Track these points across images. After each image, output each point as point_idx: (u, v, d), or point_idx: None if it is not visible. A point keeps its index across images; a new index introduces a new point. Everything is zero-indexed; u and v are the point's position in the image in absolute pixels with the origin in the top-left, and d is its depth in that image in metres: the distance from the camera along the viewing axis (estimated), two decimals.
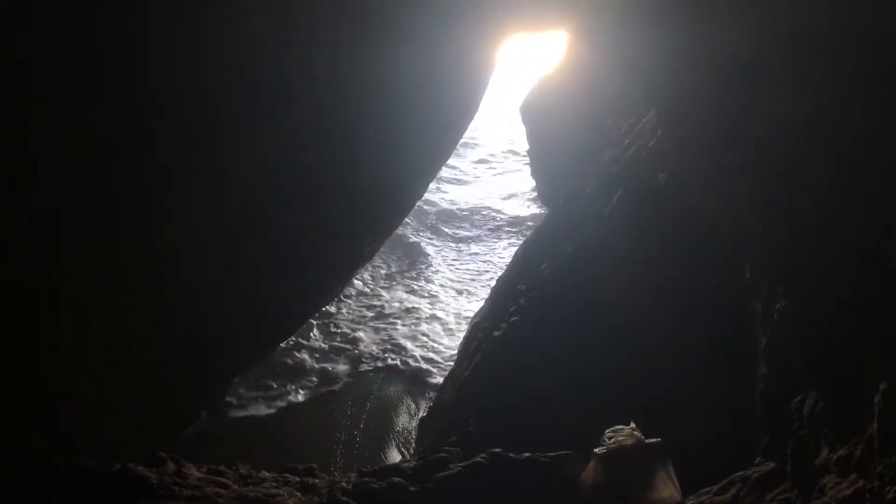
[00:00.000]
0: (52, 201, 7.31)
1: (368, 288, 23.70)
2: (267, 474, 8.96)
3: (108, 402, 9.14)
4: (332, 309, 21.12)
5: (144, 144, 7.78)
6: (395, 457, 14.80)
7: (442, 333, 21.21)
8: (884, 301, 5.40)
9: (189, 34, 7.50)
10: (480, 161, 40.04)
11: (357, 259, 14.69)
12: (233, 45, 7.87)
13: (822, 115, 6.14)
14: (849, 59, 5.72)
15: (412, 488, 7.49)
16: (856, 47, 5.63)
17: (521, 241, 22.54)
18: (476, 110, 15.75)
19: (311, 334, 20.01)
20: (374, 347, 20.18)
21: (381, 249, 18.90)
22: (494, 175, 38.13)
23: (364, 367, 19.34)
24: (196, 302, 9.52)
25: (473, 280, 25.39)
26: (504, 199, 33.80)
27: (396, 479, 7.69)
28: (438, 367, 19.01)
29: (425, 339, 20.83)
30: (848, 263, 5.89)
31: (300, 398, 17.77)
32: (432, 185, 23.68)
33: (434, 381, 18.32)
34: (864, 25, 5.52)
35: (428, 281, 24.92)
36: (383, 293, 23.60)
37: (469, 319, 18.72)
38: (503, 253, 26.72)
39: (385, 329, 21.21)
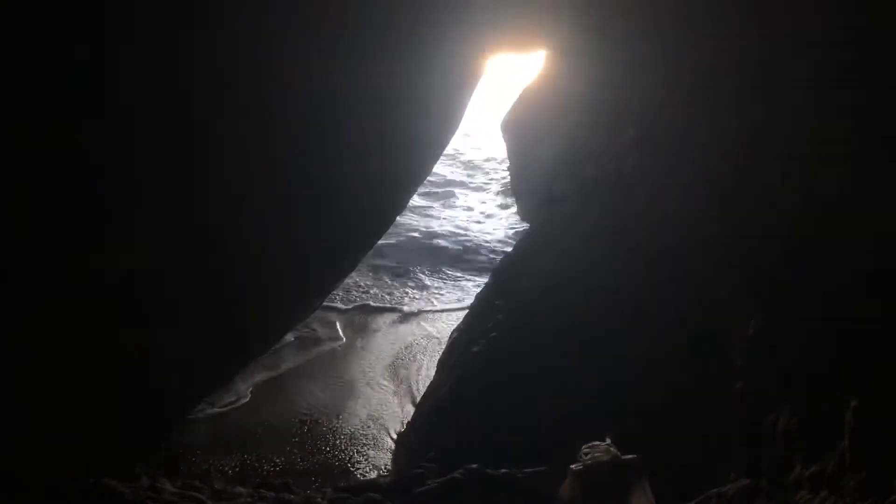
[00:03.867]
0: (51, 202, 7.23)
1: None
2: (242, 489, 8.89)
3: (93, 405, 8.99)
4: None
5: (141, 144, 7.72)
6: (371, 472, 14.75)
7: None
8: (854, 320, 5.50)
9: (193, 35, 7.51)
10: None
11: (337, 272, 14.63)
12: (228, 51, 7.88)
13: (790, 130, 6.26)
14: (825, 68, 5.86)
15: None
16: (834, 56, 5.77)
17: None
18: (458, 126, 15.86)
19: None
20: None
21: None
22: None
23: None
24: (184, 306, 9.41)
25: None
26: None
27: (373, 495, 7.69)
28: None
29: None
30: (819, 282, 6.00)
31: None
32: None
33: None
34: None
35: None
36: None
37: None
38: None
39: None
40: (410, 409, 15.99)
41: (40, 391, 8.11)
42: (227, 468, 13.49)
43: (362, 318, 20.86)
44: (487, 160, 41.89)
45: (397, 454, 14.58)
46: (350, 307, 21.29)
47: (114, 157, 7.57)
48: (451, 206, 33.59)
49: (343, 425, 15.66)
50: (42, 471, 7.52)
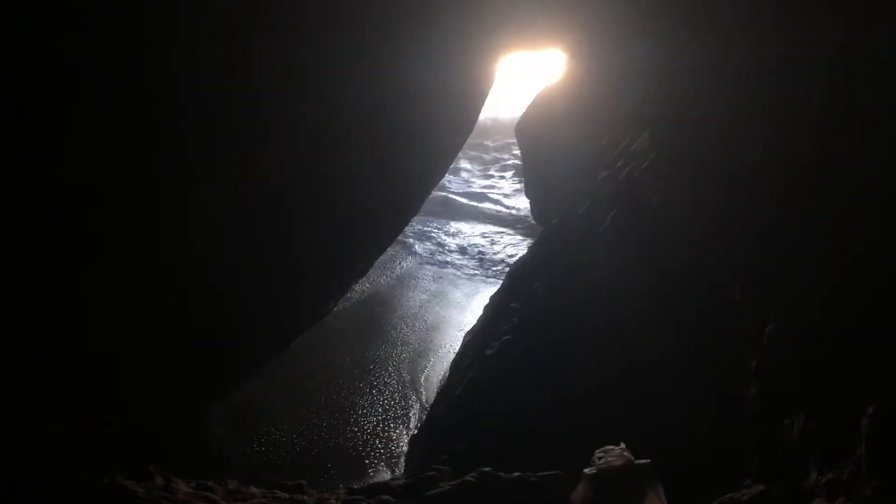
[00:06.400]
0: (69, 206, 7.35)
1: None
2: (256, 490, 8.91)
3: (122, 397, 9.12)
4: None
5: (145, 154, 7.82)
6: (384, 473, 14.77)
7: None
8: (872, 324, 5.45)
9: (201, 46, 7.59)
10: None
11: (351, 274, 14.69)
12: (232, 58, 7.93)
13: (800, 140, 6.22)
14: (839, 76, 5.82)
15: None
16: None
17: None
18: (473, 125, 15.78)
19: None
20: None
21: None
22: None
23: None
24: (190, 313, 9.48)
25: None
26: None
27: (385, 497, 7.67)
28: None
29: None
30: (837, 286, 5.95)
31: None
32: None
33: None
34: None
35: None
36: None
37: None
38: None
39: None
40: None
41: (58, 389, 8.20)
42: (252, 448, 13.78)
43: None
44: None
45: (410, 456, 14.60)
46: None
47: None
48: None
49: None
50: (59, 469, 7.60)
